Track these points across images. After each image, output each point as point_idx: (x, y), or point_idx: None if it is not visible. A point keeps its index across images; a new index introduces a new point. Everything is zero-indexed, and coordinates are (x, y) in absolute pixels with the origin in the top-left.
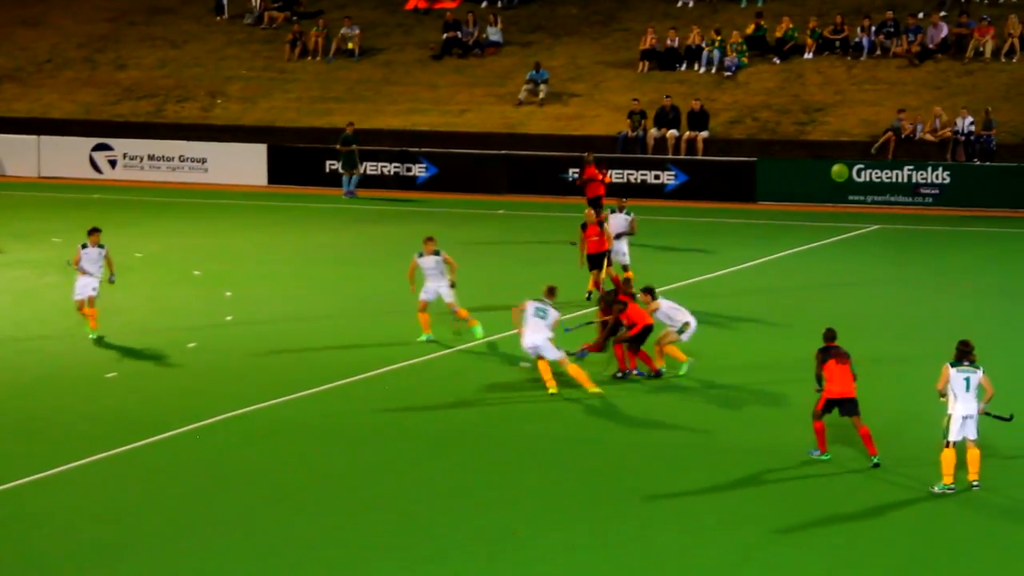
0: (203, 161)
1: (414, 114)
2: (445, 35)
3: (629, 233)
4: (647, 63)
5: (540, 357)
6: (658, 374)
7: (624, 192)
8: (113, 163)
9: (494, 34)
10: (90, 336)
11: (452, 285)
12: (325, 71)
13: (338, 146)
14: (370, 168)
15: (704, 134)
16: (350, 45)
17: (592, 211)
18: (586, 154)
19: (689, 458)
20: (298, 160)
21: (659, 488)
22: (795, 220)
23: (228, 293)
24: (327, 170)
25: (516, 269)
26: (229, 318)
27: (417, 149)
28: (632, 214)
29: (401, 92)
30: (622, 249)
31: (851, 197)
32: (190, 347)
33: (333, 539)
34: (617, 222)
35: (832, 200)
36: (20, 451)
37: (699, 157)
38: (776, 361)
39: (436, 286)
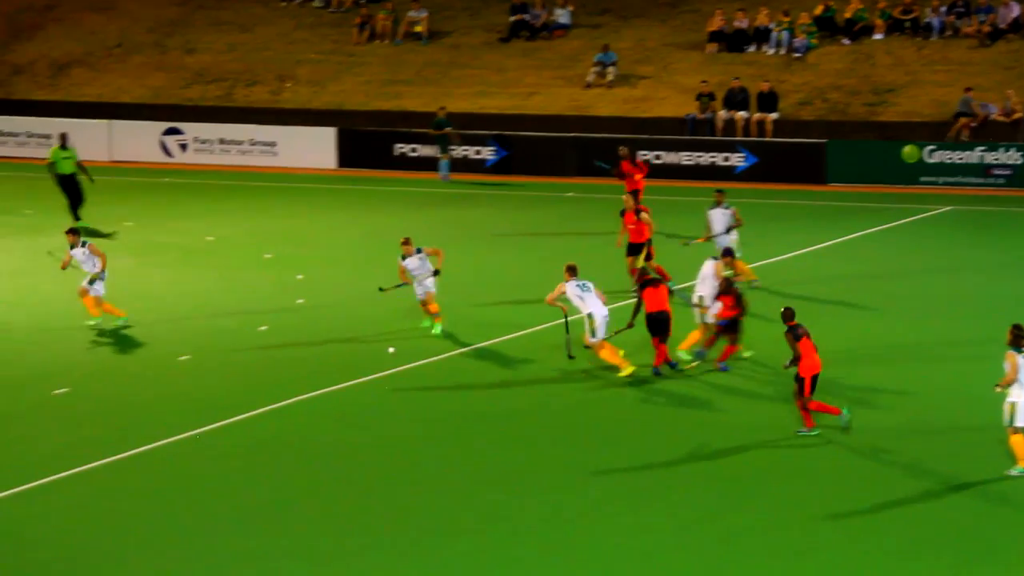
0: (273, 144)
1: (482, 97)
2: (513, 18)
3: (735, 225)
4: (716, 45)
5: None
6: (672, 365)
7: (692, 174)
8: (184, 147)
9: (562, 16)
10: (88, 323)
11: (435, 273)
12: (393, 54)
13: (431, 130)
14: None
15: (773, 116)
16: (417, 28)
17: (630, 198)
18: (620, 148)
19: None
20: (367, 143)
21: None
22: (865, 202)
23: (299, 276)
24: (396, 153)
25: (587, 252)
26: (300, 301)
27: (486, 132)
28: (732, 207)
29: (469, 75)
30: (726, 243)
31: (922, 178)
32: (261, 330)
33: (407, 519)
34: (718, 217)
35: (903, 182)
36: (95, 434)
37: (768, 139)
38: (848, 345)
39: (429, 283)
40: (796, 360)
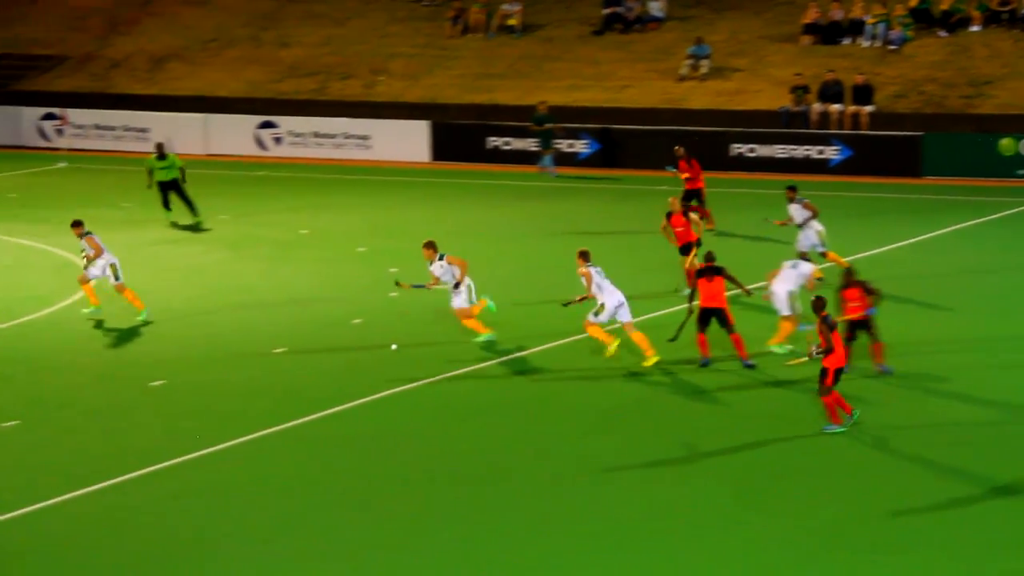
0: (366, 138)
1: (575, 90)
2: (606, 10)
3: (813, 216)
4: (810, 37)
5: (620, 320)
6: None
7: (787, 167)
8: (278, 140)
9: (656, 9)
10: (84, 311)
11: (455, 286)
12: (486, 48)
13: (532, 125)
14: (532, 144)
15: (869, 108)
16: (511, 21)
17: (675, 200)
18: (676, 148)
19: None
20: (461, 136)
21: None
22: (962, 195)
23: (393, 269)
24: (488, 146)
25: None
26: (394, 294)
27: (579, 125)
28: (803, 199)
29: (562, 68)
30: (811, 238)
31: (1019, 171)
32: (355, 323)
33: (510, 511)
34: (796, 212)
35: (999, 175)
36: (191, 426)
37: (863, 132)
38: (930, 338)
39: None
40: (829, 351)
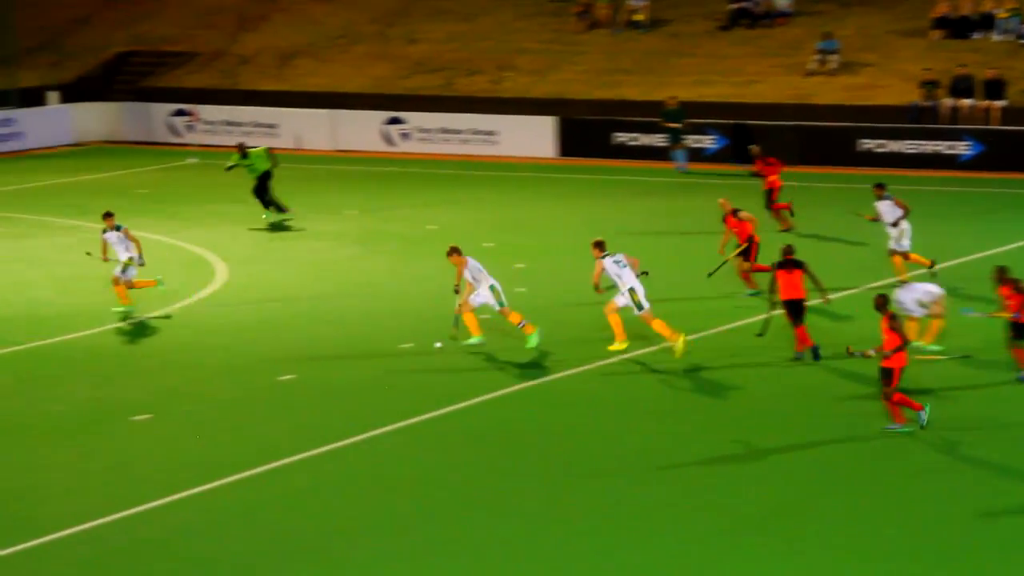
0: (493, 133)
1: (701, 85)
2: (733, 5)
3: (904, 215)
4: (940, 32)
5: (641, 308)
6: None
7: (916, 163)
8: (405, 136)
9: (783, 4)
10: (115, 310)
11: (456, 291)
12: (613, 43)
13: (661, 120)
14: (658, 140)
15: (1000, 103)
16: (637, 17)
17: (726, 201)
18: (751, 147)
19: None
20: (587, 132)
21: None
22: None
23: (520, 265)
24: (615, 142)
25: (810, 244)
26: (522, 290)
27: (707, 120)
28: (892, 196)
29: (689, 64)
30: (897, 236)
31: None
32: (482, 319)
33: (629, 507)
34: (886, 210)
35: None
36: (319, 420)
37: (995, 127)
38: None
39: (483, 288)
40: (903, 346)
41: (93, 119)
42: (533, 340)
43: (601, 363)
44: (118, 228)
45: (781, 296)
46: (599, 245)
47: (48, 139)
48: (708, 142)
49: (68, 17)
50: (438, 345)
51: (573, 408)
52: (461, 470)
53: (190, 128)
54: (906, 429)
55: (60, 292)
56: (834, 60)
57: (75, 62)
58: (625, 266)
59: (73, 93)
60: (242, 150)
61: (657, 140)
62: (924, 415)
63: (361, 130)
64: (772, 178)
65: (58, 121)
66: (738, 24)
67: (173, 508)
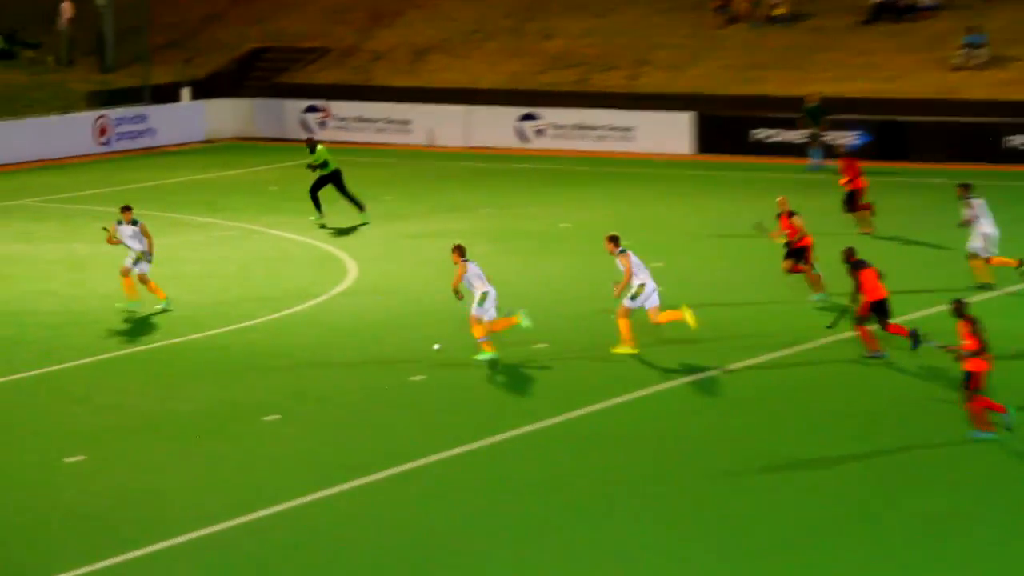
0: (629, 130)
1: (843, 81)
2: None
3: (970, 219)
4: None
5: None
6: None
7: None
8: (540, 132)
9: None
10: (119, 305)
11: (457, 295)
12: (752, 38)
13: (801, 117)
14: (797, 136)
15: None
16: (778, 11)
17: (784, 199)
18: (836, 145)
19: None
20: (725, 128)
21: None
22: None
23: (658, 263)
24: (752, 138)
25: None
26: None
27: (850, 116)
28: (977, 196)
29: (830, 59)
30: (978, 240)
31: None
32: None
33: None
34: (978, 210)
35: None
36: (450, 421)
37: None
38: None
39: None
40: (981, 351)
41: (225, 116)
42: (484, 356)
43: (742, 363)
44: (135, 223)
45: (868, 296)
46: (613, 239)
47: (180, 136)
48: (851, 139)
49: (201, 14)
50: (436, 347)
51: (703, 414)
52: (591, 473)
53: (323, 124)
54: (991, 436)
55: (188, 290)
56: (981, 54)
57: (207, 59)
58: (639, 262)
59: (205, 90)
60: (311, 147)
61: (795, 137)
62: (1009, 417)
63: (495, 127)
64: (857, 179)
65: (190, 118)
66: (881, 18)
67: (302, 511)
